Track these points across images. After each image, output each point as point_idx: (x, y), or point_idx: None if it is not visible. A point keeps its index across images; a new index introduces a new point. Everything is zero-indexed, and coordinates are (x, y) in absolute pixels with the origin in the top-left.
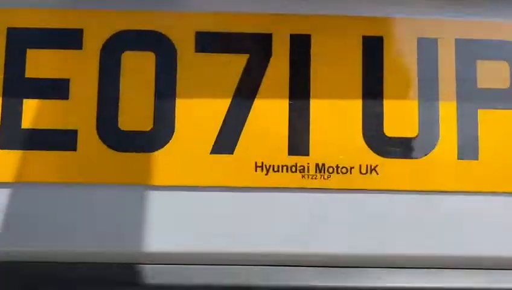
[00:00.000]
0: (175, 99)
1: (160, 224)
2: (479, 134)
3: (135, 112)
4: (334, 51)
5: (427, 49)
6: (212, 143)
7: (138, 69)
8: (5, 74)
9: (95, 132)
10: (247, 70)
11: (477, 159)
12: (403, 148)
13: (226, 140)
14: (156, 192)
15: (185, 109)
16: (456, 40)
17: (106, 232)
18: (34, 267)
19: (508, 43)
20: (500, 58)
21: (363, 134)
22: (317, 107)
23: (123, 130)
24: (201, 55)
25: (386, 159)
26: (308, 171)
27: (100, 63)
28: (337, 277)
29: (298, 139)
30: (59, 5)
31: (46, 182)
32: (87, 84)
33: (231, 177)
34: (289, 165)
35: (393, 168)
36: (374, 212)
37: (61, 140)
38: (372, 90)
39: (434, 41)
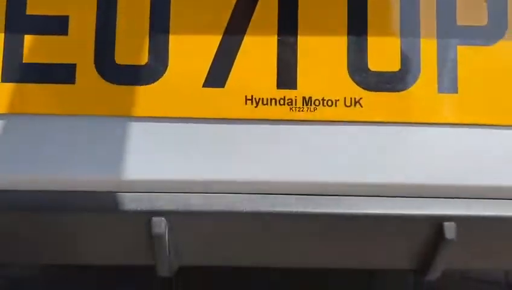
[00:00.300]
0: (169, 34)
1: (156, 153)
2: (458, 69)
3: (131, 47)
4: None
5: None
6: (205, 76)
7: (134, 7)
8: (7, 11)
9: (93, 65)
10: (237, 7)
11: (457, 93)
12: (385, 81)
13: (218, 74)
14: (151, 123)
15: (178, 44)
16: None
17: (103, 161)
18: (32, 195)
19: None
20: None
21: (348, 68)
22: (304, 43)
23: (119, 64)
24: None
25: (369, 92)
26: (295, 104)
27: (98, 0)
28: (321, 204)
29: (286, 74)
30: None
31: (46, 113)
32: (85, 21)
33: (222, 110)
34: (277, 98)
35: (376, 100)
36: (358, 143)
37: (61, 73)
38: (357, 26)
39: None
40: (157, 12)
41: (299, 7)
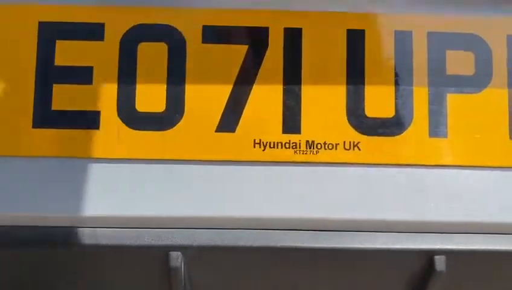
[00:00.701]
0: (185, 84)
1: (173, 192)
2: (447, 115)
3: (150, 95)
4: (322, 42)
5: (403, 40)
6: (217, 122)
7: (153, 58)
8: (37, 62)
9: (116, 112)
10: (247, 59)
11: (446, 137)
12: (381, 127)
13: (229, 120)
14: (168, 165)
15: (193, 92)
16: (428, 33)
17: (128, 201)
18: (60, 231)
19: (473, 35)
20: (466, 49)
21: (347, 114)
22: (307, 91)
23: (140, 111)
24: (208, 46)
25: (366, 136)
26: (299, 147)
27: (120, 52)
28: (323, 239)
29: (291, 119)
30: (83, 1)
31: (73, 156)
32: (108, 71)
33: (233, 153)
34: (283, 142)
35: (373, 144)
36: (356, 183)
37: (86, 120)
38: (355, 76)
39: (409, 34)
40: (174, 63)
41: (303, 59)
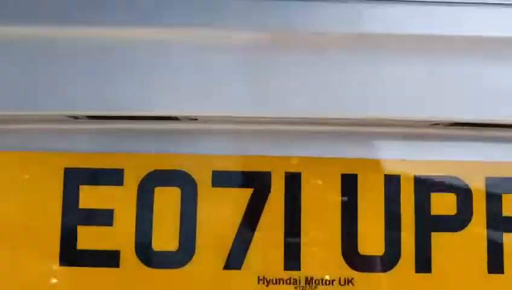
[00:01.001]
0: (196, 225)
1: None
2: (432, 252)
3: (165, 235)
4: (319, 185)
5: (392, 183)
6: (224, 261)
7: (167, 201)
8: (63, 205)
9: (134, 252)
10: (252, 202)
11: (431, 273)
12: (372, 264)
13: (235, 258)
14: None
15: (203, 232)
16: (415, 177)
17: None
18: None
19: (454, 178)
20: (449, 191)
21: (342, 252)
22: (306, 231)
23: (156, 251)
24: (217, 190)
25: (360, 272)
26: (299, 283)
27: (137, 196)
28: None
29: (292, 258)
30: (104, 149)
31: None
32: (127, 214)
33: (239, 289)
34: (284, 278)
35: (365, 280)
36: None
37: (107, 259)
38: (349, 217)
39: (397, 178)
40: (186, 206)
41: (302, 201)
